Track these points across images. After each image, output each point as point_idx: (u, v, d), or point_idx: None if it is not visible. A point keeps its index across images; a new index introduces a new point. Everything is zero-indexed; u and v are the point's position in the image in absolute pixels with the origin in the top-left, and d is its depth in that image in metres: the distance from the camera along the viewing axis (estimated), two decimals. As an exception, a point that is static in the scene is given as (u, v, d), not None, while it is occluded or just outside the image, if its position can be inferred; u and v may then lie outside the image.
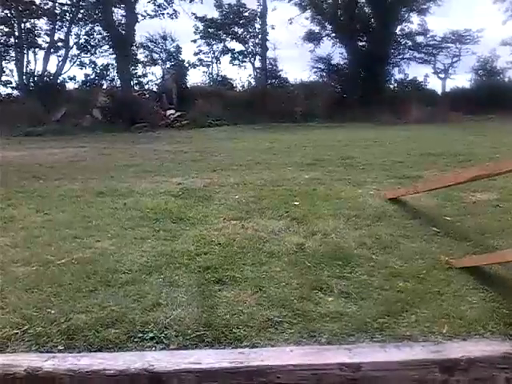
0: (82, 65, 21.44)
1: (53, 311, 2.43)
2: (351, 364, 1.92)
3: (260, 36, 22.56)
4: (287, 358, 1.95)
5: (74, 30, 21.38)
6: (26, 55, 20.32)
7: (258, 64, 23.44)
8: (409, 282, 2.80)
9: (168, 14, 20.82)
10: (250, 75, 24.11)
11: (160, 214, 4.33)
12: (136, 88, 21.08)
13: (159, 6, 20.56)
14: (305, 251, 3.32)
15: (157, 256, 3.23)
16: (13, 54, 20.39)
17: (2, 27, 19.79)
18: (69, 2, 20.60)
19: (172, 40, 23.12)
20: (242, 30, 23.03)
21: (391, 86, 24.22)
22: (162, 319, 2.34)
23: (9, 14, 19.67)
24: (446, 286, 2.76)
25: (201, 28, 23.11)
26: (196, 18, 22.31)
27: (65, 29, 21.11)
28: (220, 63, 24.31)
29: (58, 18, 20.66)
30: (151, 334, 2.22)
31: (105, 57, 21.72)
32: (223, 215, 4.28)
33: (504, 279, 2.87)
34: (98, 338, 2.18)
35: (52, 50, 20.83)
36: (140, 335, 2.21)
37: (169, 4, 20.72)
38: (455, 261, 3.07)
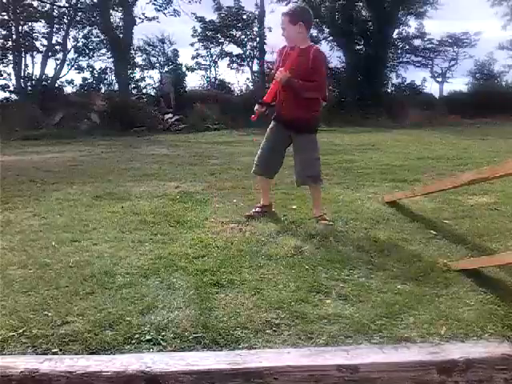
0: (79, 68, 21.48)
1: (49, 314, 2.42)
2: (349, 365, 1.92)
3: (258, 39, 22.58)
4: (285, 359, 1.94)
5: (72, 33, 21.39)
6: (23, 58, 20.29)
7: (255, 68, 23.50)
8: (407, 285, 2.81)
9: (169, 13, 20.90)
10: (247, 79, 24.13)
11: (158, 217, 4.33)
12: (134, 92, 21.07)
13: (160, 5, 20.63)
14: (303, 254, 3.32)
15: (154, 259, 3.22)
16: (10, 58, 20.34)
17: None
18: (66, 5, 20.61)
19: (170, 43, 23.16)
20: (240, 33, 23.04)
21: (389, 90, 24.28)
22: (159, 321, 2.34)
23: (6, 17, 19.63)
24: (443, 288, 2.76)
25: (199, 30, 23.13)
26: (196, 17, 22.31)
27: (62, 32, 21.11)
28: (218, 67, 24.36)
29: (56, 20, 20.64)
30: (148, 336, 2.21)
31: (103, 60, 21.78)
32: (221, 218, 4.28)
33: (502, 281, 2.87)
34: (95, 341, 2.17)
35: (50, 54, 20.80)
36: (137, 337, 2.21)
37: (168, 4, 20.81)
38: (453, 263, 3.08)
